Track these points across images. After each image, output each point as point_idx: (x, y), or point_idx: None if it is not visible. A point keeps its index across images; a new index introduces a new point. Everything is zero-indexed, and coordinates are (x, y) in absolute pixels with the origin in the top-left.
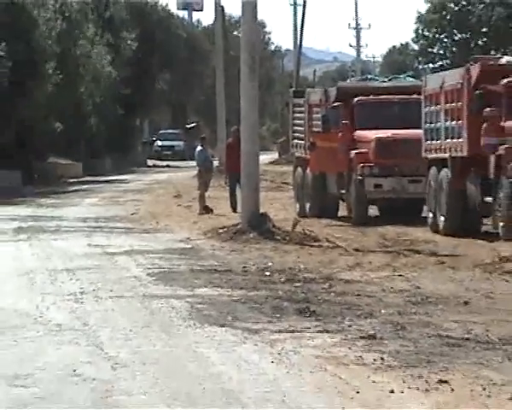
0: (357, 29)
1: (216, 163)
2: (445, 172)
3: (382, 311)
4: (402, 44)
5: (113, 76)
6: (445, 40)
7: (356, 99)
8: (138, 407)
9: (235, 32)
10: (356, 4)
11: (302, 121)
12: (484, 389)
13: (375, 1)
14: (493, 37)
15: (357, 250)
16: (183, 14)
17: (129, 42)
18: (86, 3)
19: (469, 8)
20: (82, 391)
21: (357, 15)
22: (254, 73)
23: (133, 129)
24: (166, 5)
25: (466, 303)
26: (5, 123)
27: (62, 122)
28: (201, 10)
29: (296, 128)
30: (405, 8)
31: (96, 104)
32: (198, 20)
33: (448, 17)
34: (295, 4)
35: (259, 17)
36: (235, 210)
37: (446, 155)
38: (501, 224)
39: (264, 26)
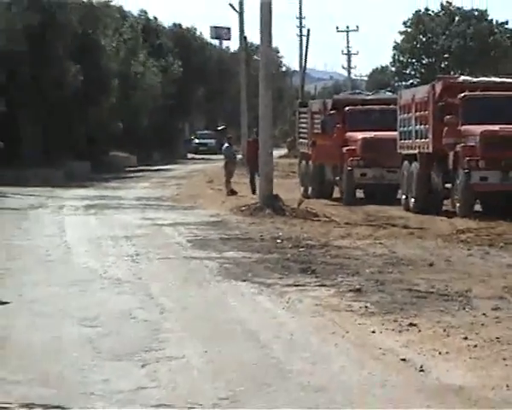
0: (348, 55)
1: (239, 157)
2: (415, 165)
3: (366, 270)
4: (382, 66)
5: (161, 91)
6: (416, 64)
7: (347, 108)
8: (178, 342)
9: (255, 56)
10: (347, 36)
11: (306, 125)
12: (444, 331)
13: (362, 33)
14: (452, 61)
15: (347, 224)
16: (215, 42)
17: (175, 66)
18: (139, 33)
19: (434, 39)
20: (136, 330)
21: (348, 44)
22: (269, 88)
23: (176, 130)
24: (202, 34)
25: (430, 265)
26: (79, 126)
27: (122, 124)
28: (229, 39)
29: (301, 130)
30: (385, 38)
31: (147, 111)
32: (227, 47)
33: (418, 46)
34: (301, 35)
35: (273, 44)
36: (254, 192)
37: (416, 151)
38: (457, 204)
39: (278, 52)
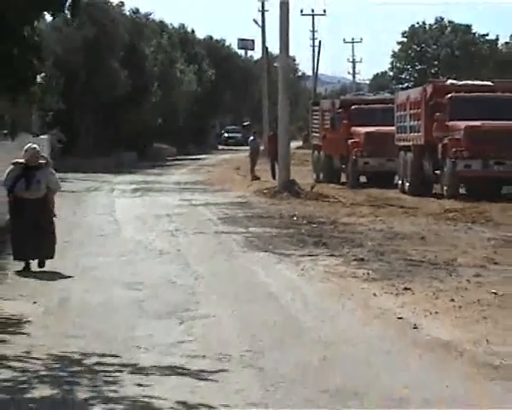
0: (353, 62)
1: (261, 148)
2: (410, 155)
3: (368, 243)
4: (382, 72)
5: (195, 92)
6: (410, 69)
7: (352, 107)
8: (210, 303)
9: (275, 64)
10: (353, 46)
11: (317, 121)
12: (433, 294)
13: (365, 44)
14: (442, 67)
15: (352, 204)
16: (241, 52)
17: (208, 72)
18: (177, 44)
19: (426, 48)
20: (175, 292)
21: (353, 53)
22: (286, 91)
23: (208, 125)
24: (230, 45)
25: (422, 238)
26: (127, 122)
27: (163, 121)
28: (253, 49)
29: (314, 126)
30: (385, 48)
31: (184, 109)
32: (251, 56)
33: (412, 54)
34: (314, 46)
35: (290, 53)
36: (274, 178)
37: (410, 143)
38: (445, 188)
39: (294, 60)
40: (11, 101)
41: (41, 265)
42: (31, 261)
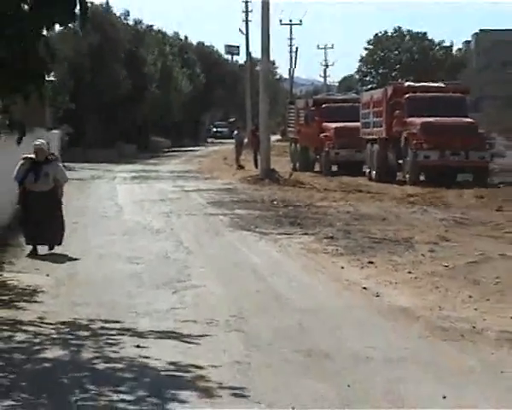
0: (325, 66)
1: (245, 141)
2: (376, 146)
3: (337, 223)
4: (350, 75)
5: (189, 92)
6: (374, 73)
7: (323, 105)
8: (200, 275)
9: (257, 67)
10: (325, 52)
11: (293, 118)
12: (393, 267)
13: (336, 50)
14: (401, 71)
15: (325, 190)
16: (228, 56)
17: (199, 74)
18: (175, 50)
19: (388, 54)
20: (170, 266)
21: (325, 59)
22: (266, 91)
23: (200, 121)
24: (218, 51)
25: (384, 219)
26: (128, 118)
27: (161, 117)
28: (238, 54)
29: (290, 121)
30: (352, 53)
31: (179, 107)
32: (236, 60)
33: (377, 59)
34: (291, 52)
35: (271, 58)
36: (256, 167)
37: (375, 136)
38: (407, 175)
39: (274, 64)
40: (25, 99)
41: (51, 248)
42: (39, 246)
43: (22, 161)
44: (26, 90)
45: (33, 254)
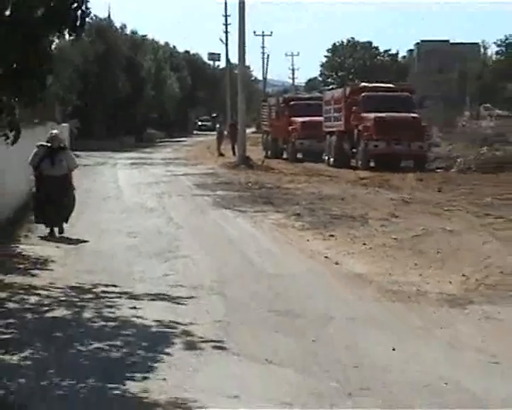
0: (293, 69)
1: (225, 133)
2: (334, 138)
3: (303, 202)
4: (314, 77)
5: (179, 93)
6: (334, 75)
7: (291, 103)
8: (188, 247)
9: (236, 71)
10: (292, 58)
11: (266, 113)
12: (350, 239)
13: (302, 56)
14: (356, 74)
15: (291, 174)
16: (211, 62)
17: (186, 77)
18: (167, 57)
19: (345, 60)
20: (163, 239)
21: (292, 64)
22: (243, 91)
23: (187, 116)
24: (202, 57)
25: (342, 199)
26: (127, 114)
27: (155, 113)
28: (219, 60)
29: (264, 116)
30: (316, 59)
31: (169, 105)
32: (218, 65)
33: (335, 65)
34: (263, 58)
35: (247, 63)
36: (234, 155)
37: (334, 129)
38: (359, 162)
39: (249, 68)
40: (34, 100)
41: (60, 231)
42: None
43: (36, 149)
44: (27, 90)
45: (50, 237)
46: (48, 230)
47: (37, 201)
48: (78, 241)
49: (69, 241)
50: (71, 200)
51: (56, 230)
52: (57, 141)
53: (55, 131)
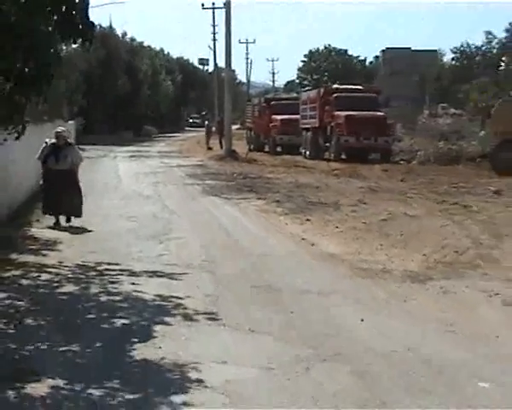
0: (273, 73)
1: (214, 129)
2: (309, 133)
3: (282, 190)
4: (292, 80)
5: (172, 93)
6: (310, 78)
7: (272, 102)
8: (181, 230)
9: (223, 74)
10: (273, 63)
11: (250, 111)
12: (325, 223)
13: (281, 61)
14: (330, 77)
15: (272, 165)
16: (201, 66)
17: (179, 79)
18: (162, 62)
19: (320, 64)
20: (158, 223)
21: (273, 68)
22: (230, 92)
23: (180, 114)
24: (193, 62)
25: (317, 187)
26: (126, 112)
27: (152, 112)
28: (208, 65)
29: (247, 114)
30: (294, 63)
31: (164, 104)
32: (207, 69)
33: (312, 68)
34: (247, 63)
35: (232, 67)
36: (221, 148)
37: (310, 126)
38: (332, 155)
39: (235, 71)
40: (44, 100)
41: (68, 221)
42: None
43: (45, 145)
44: (38, 91)
45: (56, 226)
46: (54, 219)
47: (44, 192)
48: (83, 225)
49: (75, 225)
50: (76, 192)
51: (64, 219)
52: (62, 138)
53: (59, 129)
